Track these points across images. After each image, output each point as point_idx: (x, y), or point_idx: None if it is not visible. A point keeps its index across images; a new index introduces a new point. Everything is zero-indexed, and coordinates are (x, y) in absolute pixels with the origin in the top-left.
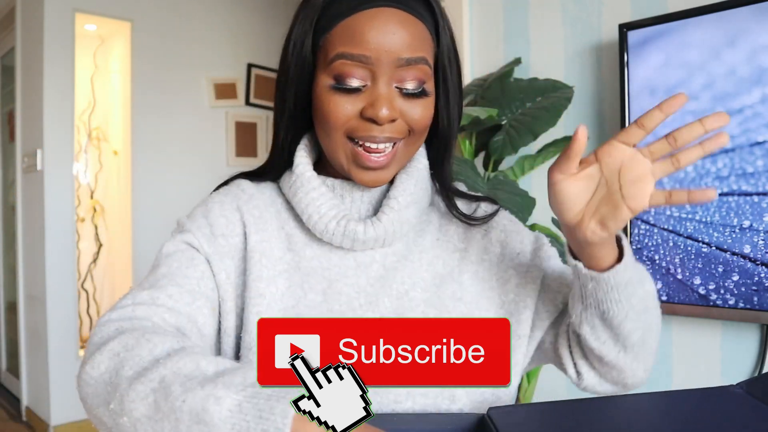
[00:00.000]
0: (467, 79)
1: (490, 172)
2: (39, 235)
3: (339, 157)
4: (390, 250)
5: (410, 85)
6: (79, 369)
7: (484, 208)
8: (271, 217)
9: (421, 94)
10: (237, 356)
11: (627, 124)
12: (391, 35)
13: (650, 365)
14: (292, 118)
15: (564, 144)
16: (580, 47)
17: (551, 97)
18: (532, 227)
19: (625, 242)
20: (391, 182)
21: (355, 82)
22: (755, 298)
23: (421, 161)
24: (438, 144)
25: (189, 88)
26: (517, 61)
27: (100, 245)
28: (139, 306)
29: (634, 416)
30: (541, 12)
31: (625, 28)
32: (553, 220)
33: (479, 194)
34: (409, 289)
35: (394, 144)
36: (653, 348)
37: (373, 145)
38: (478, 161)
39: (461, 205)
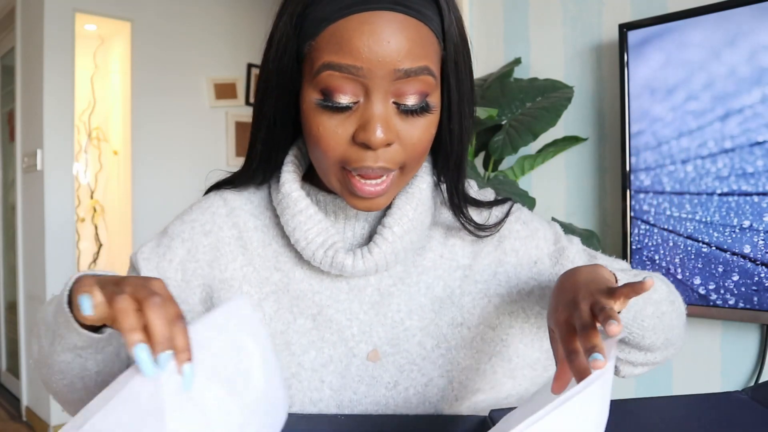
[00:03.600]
0: None
1: (490, 172)
2: (39, 235)
3: (332, 183)
4: (386, 273)
5: (410, 101)
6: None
7: (496, 213)
8: (255, 234)
9: (422, 110)
10: None
11: (627, 124)
12: (386, 43)
13: (681, 343)
14: (271, 132)
15: (564, 144)
16: (580, 47)
17: (551, 97)
18: None
19: (620, 279)
20: (389, 206)
21: (344, 99)
22: (755, 298)
23: (424, 179)
24: (447, 159)
25: (189, 88)
26: (517, 61)
27: (100, 245)
28: None
29: (637, 421)
30: (541, 12)
31: (625, 28)
32: (553, 220)
33: (492, 199)
34: (404, 318)
35: (391, 173)
36: (681, 333)
37: (366, 176)
38: (478, 161)
39: (473, 213)
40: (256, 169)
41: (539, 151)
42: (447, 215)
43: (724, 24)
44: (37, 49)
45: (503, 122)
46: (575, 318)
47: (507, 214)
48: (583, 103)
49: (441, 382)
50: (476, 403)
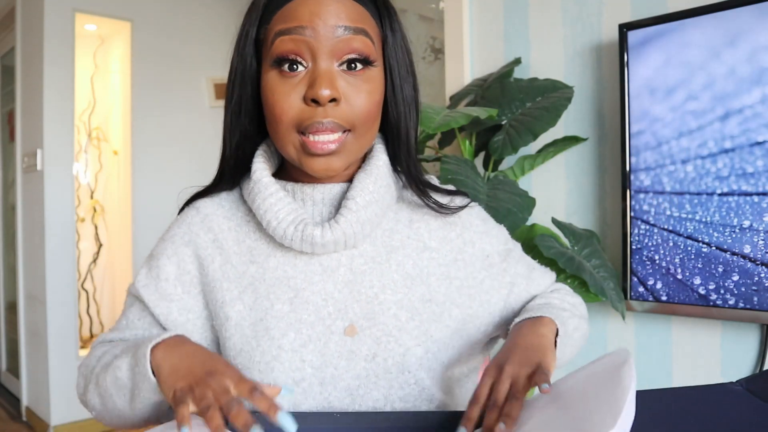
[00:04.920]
0: (467, 79)
1: (490, 172)
2: (39, 235)
3: (290, 151)
4: (357, 252)
5: (353, 56)
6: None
7: (458, 202)
8: (229, 234)
9: (365, 63)
10: None
11: (627, 124)
12: (327, 7)
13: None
14: (237, 118)
15: (564, 144)
16: (580, 47)
17: (551, 97)
18: (533, 227)
19: (558, 326)
20: (350, 183)
21: (293, 58)
22: (755, 298)
23: (380, 158)
24: (394, 136)
25: (189, 88)
26: (517, 61)
27: (100, 245)
28: (104, 344)
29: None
30: (541, 12)
31: (625, 28)
32: (553, 220)
33: (451, 188)
34: (378, 293)
35: (342, 132)
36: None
37: (320, 131)
38: (478, 161)
39: (435, 196)
40: (228, 172)
41: (539, 151)
42: (410, 200)
43: (724, 24)
44: (37, 49)
45: (503, 122)
46: (496, 385)
47: (468, 203)
48: (583, 103)
49: (418, 351)
50: (453, 373)
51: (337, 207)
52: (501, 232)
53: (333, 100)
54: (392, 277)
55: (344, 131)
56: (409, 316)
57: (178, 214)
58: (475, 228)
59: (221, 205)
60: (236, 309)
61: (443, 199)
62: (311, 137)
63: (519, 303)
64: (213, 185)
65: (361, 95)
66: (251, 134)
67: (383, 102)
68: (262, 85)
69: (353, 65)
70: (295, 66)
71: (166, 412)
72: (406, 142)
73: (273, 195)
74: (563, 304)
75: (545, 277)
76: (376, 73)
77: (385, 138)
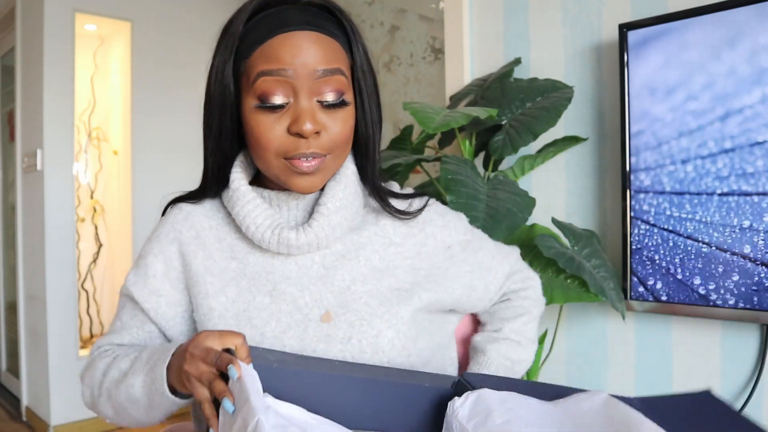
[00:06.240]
0: (467, 79)
1: (490, 172)
2: (39, 235)
3: (275, 173)
4: (329, 251)
5: (330, 97)
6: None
7: (417, 204)
8: (210, 233)
9: (341, 104)
10: None
11: (627, 124)
12: (306, 50)
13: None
14: (218, 143)
15: (564, 144)
16: (580, 47)
17: (551, 97)
18: (533, 227)
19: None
20: (322, 191)
21: (278, 99)
22: (755, 298)
23: (348, 167)
24: (361, 152)
25: (189, 88)
26: (517, 61)
27: (100, 245)
28: (105, 353)
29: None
30: (541, 12)
31: (625, 28)
32: (553, 220)
33: (410, 192)
34: (350, 284)
35: (323, 156)
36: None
37: (303, 158)
38: (478, 161)
39: (395, 203)
40: (209, 182)
41: (539, 151)
42: (374, 205)
43: (724, 24)
44: (37, 49)
45: (503, 122)
46: None
47: (425, 205)
48: (583, 103)
49: (389, 333)
50: (420, 350)
51: (311, 212)
52: (460, 222)
53: (315, 132)
54: (361, 271)
55: (325, 155)
56: (378, 303)
57: (162, 215)
58: (435, 222)
59: (203, 206)
60: (220, 301)
61: (402, 204)
62: (297, 160)
63: (480, 288)
64: (196, 191)
65: (337, 124)
66: (232, 155)
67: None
68: (244, 115)
69: (331, 103)
70: (278, 104)
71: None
72: (372, 156)
73: (251, 202)
74: (513, 351)
75: (503, 263)
76: (349, 105)
77: (354, 151)
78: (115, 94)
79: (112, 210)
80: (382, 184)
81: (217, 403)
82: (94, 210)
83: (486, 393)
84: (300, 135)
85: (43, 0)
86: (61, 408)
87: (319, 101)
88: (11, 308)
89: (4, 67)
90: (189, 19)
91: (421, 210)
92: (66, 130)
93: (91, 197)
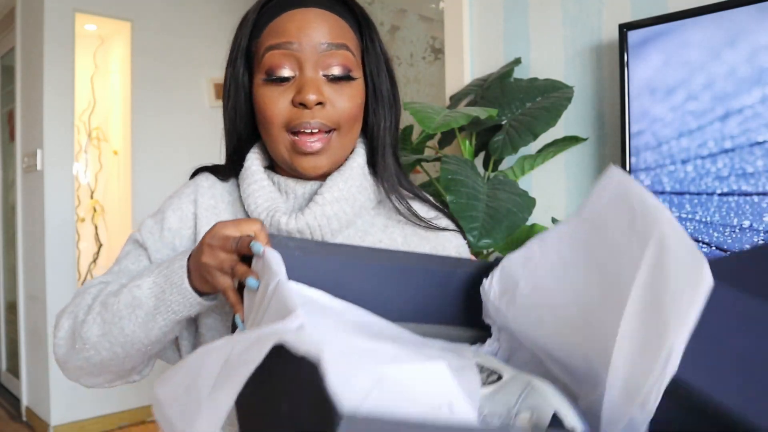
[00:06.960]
0: (467, 79)
1: (490, 172)
2: (39, 235)
3: (281, 151)
4: None
5: (335, 70)
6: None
7: (444, 223)
8: (227, 207)
9: (347, 78)
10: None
11: (627, 124)
12: (311, 23)
13: None
14: (234, 124)
15: (564, 144)
16: (580, 47)
17: (551, 97)
18: (533, 227)
19: None
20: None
21: (284, 72)
22: None
23: (356, 160)
24: (372, 145)
25: (189, 88)
26: (517, 61)
27: (100, 245)
28: (95, 286)
29: None
30: (541, 12)
31: (625, 28)
32: (553, 220)
33: (439, 206)
34: None
35: (328, 132)
36: None
37: (308, 131)
38: (478, 161)
39: (417, 207)
40: (229, 164)
41: (539, 151)
42: (390, 206)
43: (724, 24)
44: (37, 49)
45: (503, 122)
46: None
47: (453, 228)
48: (583, 103)
49: None
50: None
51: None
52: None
53: (319, 103)
54: None
55: (329, 131)
56: None
57: (190, 178)
58: (447, 252)
59: (228, 183)
60: None
61: (429, 213)
62: (301, 138)
63: None
64: (221, 168)
65: (343, 98)
66: (247, 136)
67: (365, 109)
68: (254, 92)
69: (337, 76)
70: (284, 76)
71: (183, 328)
72: (382, 151)
73: (257, 182)
74: None
75: None
76: (357, 82)
77: (367, 147)
78: (115, 94)
79: (112, 210)
80: (406, 187)
81: (240, 291)
82: (94, 210)
83: (508, 261)
84: (304, 105)
85: (43, 0)
86: (61, 408)
87: (325, 75)
88: (11, 308)
89: (4, 67)
90: (189, 19)
91: (444, 229)
92: (66, 130)
93: (91, 197)
